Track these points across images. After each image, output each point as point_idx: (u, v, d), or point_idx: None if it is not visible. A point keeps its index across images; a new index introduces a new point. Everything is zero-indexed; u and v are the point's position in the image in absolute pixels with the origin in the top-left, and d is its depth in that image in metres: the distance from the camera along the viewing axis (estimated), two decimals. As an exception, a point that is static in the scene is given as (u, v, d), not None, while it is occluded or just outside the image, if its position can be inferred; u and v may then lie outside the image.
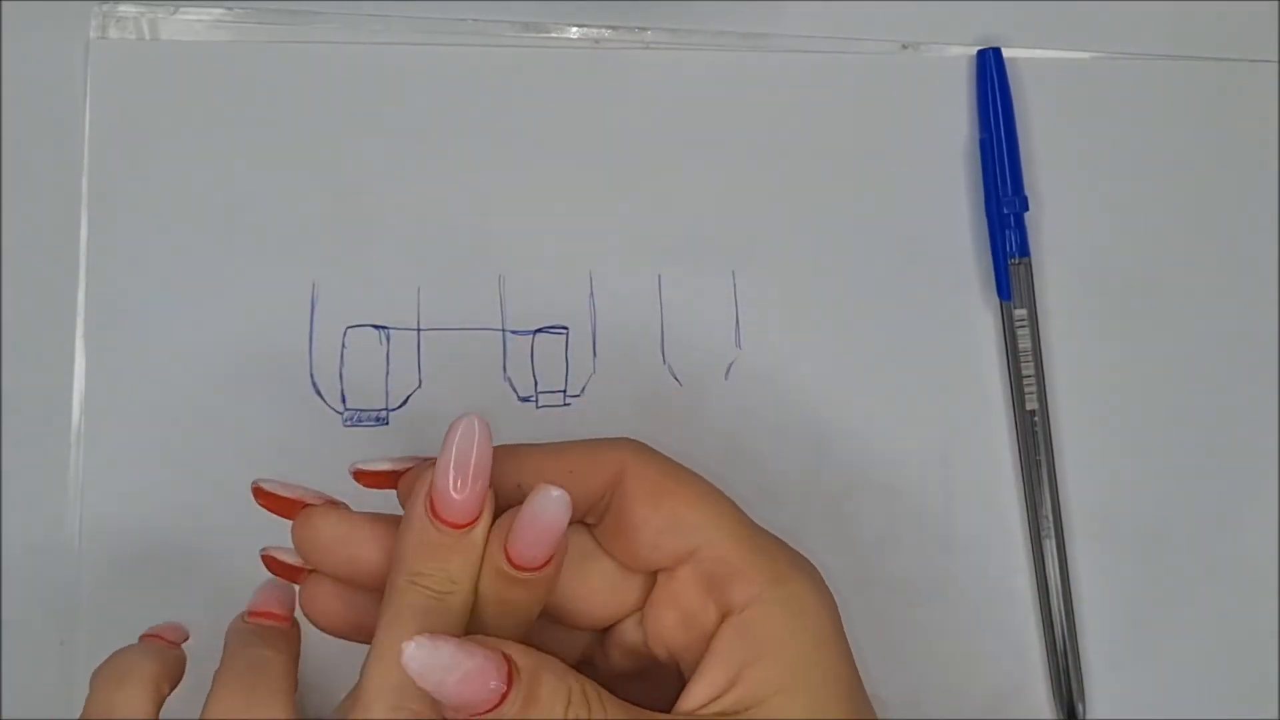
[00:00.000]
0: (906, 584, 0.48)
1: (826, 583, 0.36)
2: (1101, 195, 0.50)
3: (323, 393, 0.47)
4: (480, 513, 0.34)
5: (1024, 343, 0.49)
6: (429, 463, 0.36)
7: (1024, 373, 0.49)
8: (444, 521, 0.34)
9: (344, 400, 0.47)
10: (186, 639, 0.41)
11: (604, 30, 0.50)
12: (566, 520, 0.33)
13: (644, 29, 0.50)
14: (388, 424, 0.47)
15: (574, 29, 0.50)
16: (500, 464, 0.35)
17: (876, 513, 0.48)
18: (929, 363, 0.49)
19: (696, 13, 0.50)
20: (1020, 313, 0.49)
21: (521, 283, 0.48)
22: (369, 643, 0.34)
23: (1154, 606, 0.49)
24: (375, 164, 0.48)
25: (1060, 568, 0.48)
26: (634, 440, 0.37)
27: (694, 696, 0.35)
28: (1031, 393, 0.48)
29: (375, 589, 0.36)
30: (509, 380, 0.48)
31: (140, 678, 0.38)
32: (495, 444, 0.34)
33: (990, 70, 0.49)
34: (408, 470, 0.37)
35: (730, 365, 0.49)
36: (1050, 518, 0.48)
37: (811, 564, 0.37)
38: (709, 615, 0.36)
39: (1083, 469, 0.49)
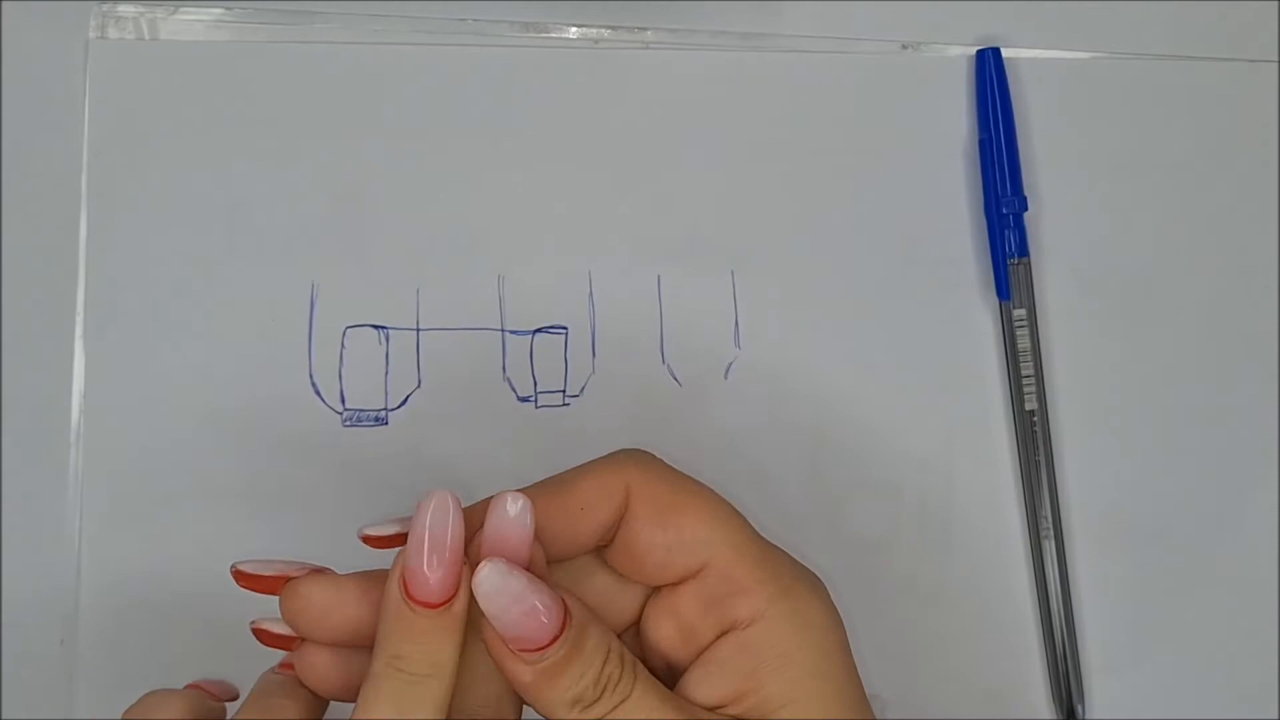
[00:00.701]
0: (906, 584, 0.48)
1: (831, 597, 0.37)
2: (1101, 195, 0.50)
3: (322, 392, 0.47)
4: (456, 589, 0.34)
5: (1023, 343, 0.49)
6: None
7: (1023, 373, 0.48)
8: (419, 602, 0.34)
9: (343, 400, 0.47)
10: (235, 698, 0.40)
11: (604, 30, 0.50)
12: (529, 527, 0.34)
13: (644, 29, 0.50)
14: (387, 424, 0.47)
15: (574, 29, 0.50)
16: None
17: (876, 513, 0.48)
18: (929, 362, 0.49)
19: (696, 13, 0.50)
20: (1020, 313, 0.49)
21: (521, 283, 0.48)
22: None
23: (1153, 607, 0.49)
24: (375, 164, 0.48)
25: (1060, 568, 0.48)
26: (636, 453, 0.37)
27: (696, 697, 0.35)
28: (1031, 393, 0.48)
29: (368, 648, 0.35)
30: (508, 380, 0.48)
31: (168, 714, 0.37)
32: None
33: (990, 70, 0.49)
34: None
35: (730, 365, 0.49)
36: (1050, 518, 0.48)
37: (817, 577, 0.37)
38: (708, 629, 0.36)
39: (1083, 469, 0.49)
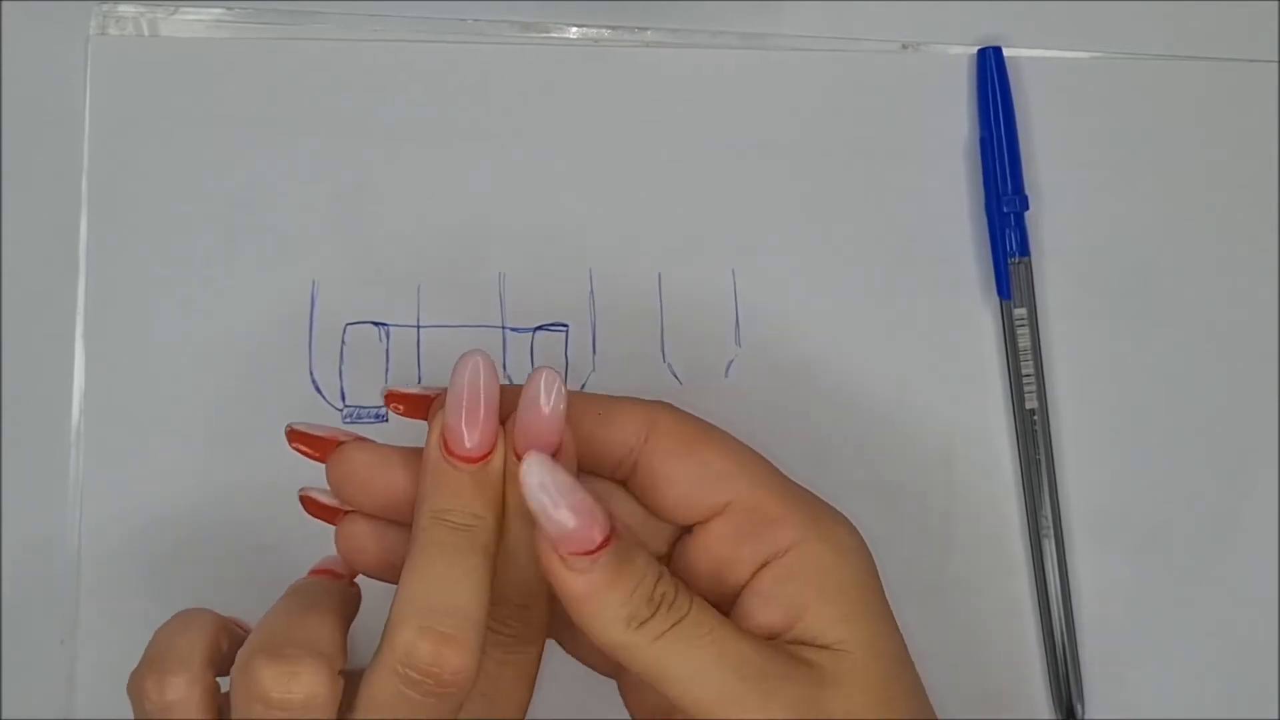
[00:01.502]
0: (906, 584, 0.48)
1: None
2: (1101, 195, 0.50)
3: (322, 390, 0.47)
4: (494, 445, 0.35)
5: (1024, 342, 0.49)
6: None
7: (1024, 372, 0.48)
8: (458, 457, 0.35)
9: (344, 397, 0.47)
10: None
11: (604, 30, 0.50)
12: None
13: (644, 29, 0.50)
14: (387, 421, 0.47)
15: (574, 29, 0.50)
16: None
17: (876, 512, 0.48)
18: (929, 362, 0.49)
19: (696, 13, 0.50)
20: (1020, 312, 0.49)
21: (521, 280, 0.48)
22: None
23: (1153, 607, 0.49)
24: (375, 162, 0.49)
25: (1059, 567, 0.48)
26: (665, 402, 0.38)
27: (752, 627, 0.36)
28: (1031, 392, 0.48)
29: (408, 522, 0.36)
30: (509, 378, 0.48)
31: (202, 624, 0.37)
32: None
33: (990, 69, 0.49)
34: (437, 397, 0.37)
35: (730, 363, 0.49)
36: (1050, 517, 0.48)
37: (845, 516, 0.37)
38: (743, 564, 0.36)
39: (1083, 469, 0.49)
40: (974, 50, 0.50)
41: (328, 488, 0.38)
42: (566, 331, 0.48)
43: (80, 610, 0.46)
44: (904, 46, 0.51)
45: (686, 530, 0.38)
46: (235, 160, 0.48)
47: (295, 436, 0.38)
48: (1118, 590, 0.49)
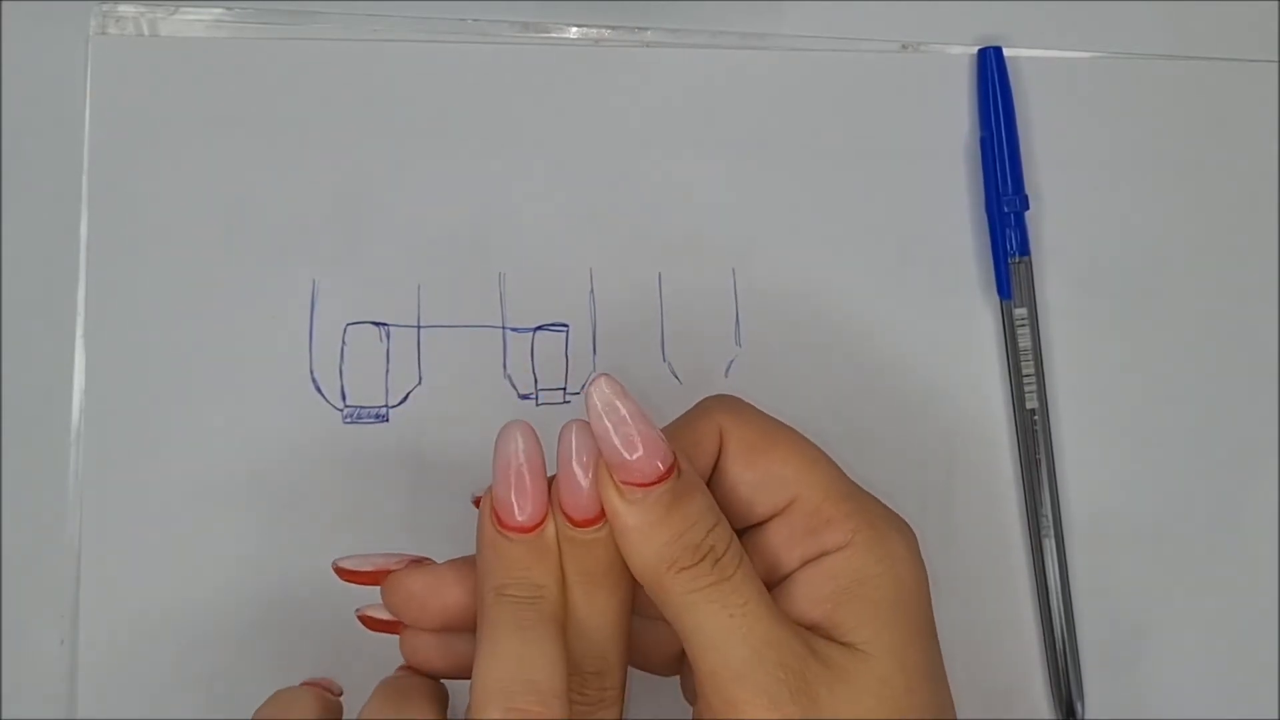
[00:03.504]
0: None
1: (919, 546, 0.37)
2: (1102, 194, 0.50)
3: (323, 390, 0.47)
4: (545, 513, 0.35)
5: (1024, 342, 0.49)
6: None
7: (1024, 372, 0.48)
8: (512, 529, 0.35)
9: (344, 397, 0.47)
10: (341, 694, 0.40)
11: (604, 30, 0.50)
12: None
13: (644, 29, 0.50)
14: (387, 421, 0.47)
15: (574, 29, 0.50)
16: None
17: (877, 512, 0.48)
18: (929, 362, 0.49)
19: (696, 13, 0.50)
20: (1020, 311, 0.49)
21: (522, 280, 0.48)
22: None
23: (1153, 606, 0.49)
24: (375, 162, 0.49)
25: (1060, 567, 0.48)
26: (726, 398, 0.39)
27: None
28: (1031, 392, 0.48)
29: (471, 630, 0.36)
30: (509, 378, 0.48)
31: (304, 708, 0.38)
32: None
33: (991, 69, 0.50)
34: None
35: (730, 363, 0.49)
36: (1050, 517, 0.48)
37: (908, 526, 0.38)
38: (793, 560, 0.37)
39: (1083, 468, 0.49)
40: (974, 50, 0.50)
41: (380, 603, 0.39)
42: (566, 331, 0.48)
43: (80, 610, 0.46)
44: (904, 46, 0.51)
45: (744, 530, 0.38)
46: (235, 160, 0.48)
47: (344, 575, 0.39)
48: (1118, 590, 0.49)
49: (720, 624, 0.34)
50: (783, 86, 0.50)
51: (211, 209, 0.48)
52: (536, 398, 0.48)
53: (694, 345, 0.49)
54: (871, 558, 0.36)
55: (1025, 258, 0.49)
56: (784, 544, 0.37)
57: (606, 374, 0.34)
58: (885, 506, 0.38)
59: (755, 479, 0.37)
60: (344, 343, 0.48)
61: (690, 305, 0.49)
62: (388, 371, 0.48)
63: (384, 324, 0.48)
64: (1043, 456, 0.48)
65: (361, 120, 0.49)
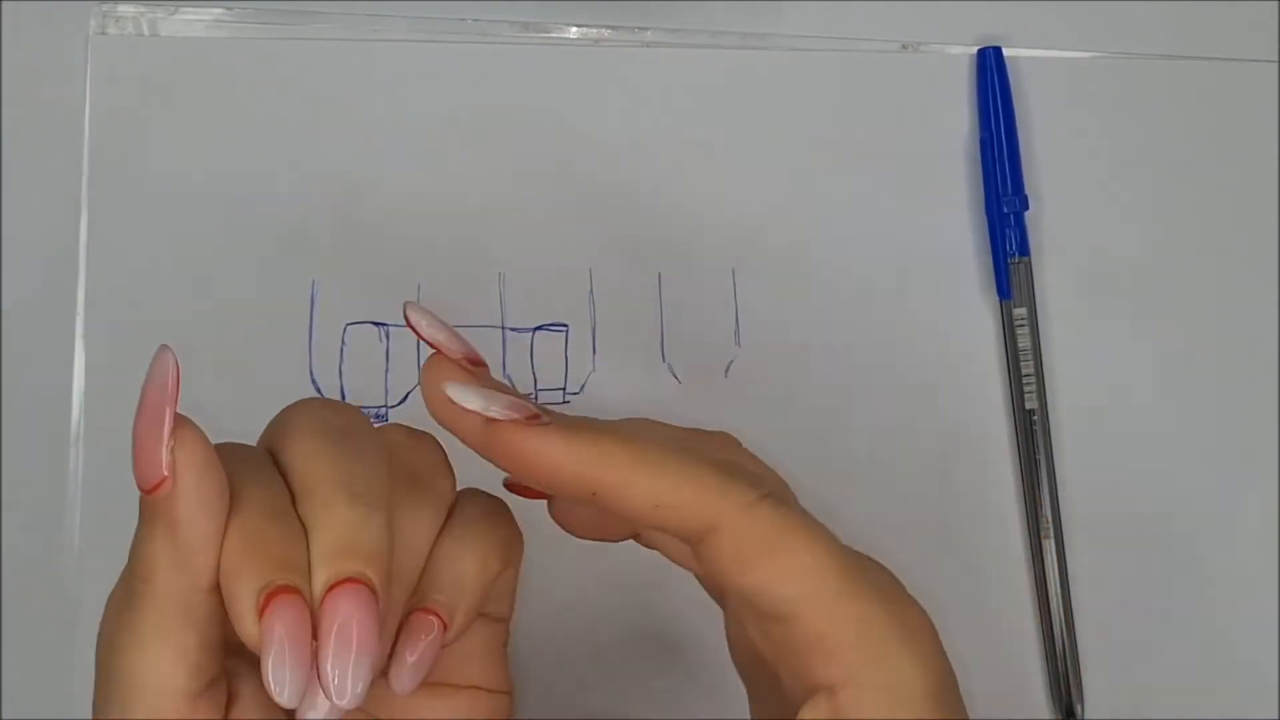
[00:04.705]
0: (906, 584, 0.48)
1: (939, 642, 0.33)
2: (1101, 194, 0.50)
3: (323, 390, 0.47)
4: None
5: (1024, 342, 0.49)
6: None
7: (1024, 372, 0.48)
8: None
9: (344, 397, 0.47)
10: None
11: (604, 30, 0.50)
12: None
13: (644, 29, 0.50)
14: (388, 421, 0.47)
15: (574, 29, 0.50)
16: (577, 465, 0.32)
17: (876, 513, 0.48)
18: (929, 362, 0.49)
19: (696, 13, 0.50)
20: (1020, 312, 0.49)
21: (521, 280, 0.48)
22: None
23: (1153, 606, 0.49)
24: (375, 161, 0.49)
25: (1059, 567, 0.48)
26: (738, 493, 0.32)
27: None
28: (1031, 392, 0.48)
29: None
30: (508, 377, 0.48)
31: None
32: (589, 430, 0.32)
33: (991, 69, 0.50)
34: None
35: (730, 363, 0.49)
36: (1049, 517, 0.48)
37: (919, 620, 0.33)
38: (786, 673, 0.33)
39: (1083, 469, 0.49)
40: (974, 50, 0.50)
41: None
42: (566, 331, 0.48)
43: (80, 610, 0.46)
44: (904, 46, 0.51)
45: None
46: (235, 160, 0.48)
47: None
48: (1118, 590, 0.49)
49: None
50: (783, 86, 0.50)
51: (211, 209, 0.48)
52: (536, 397, 0.48)
53: (694, 345, 0.49)
54: (885, 701, 0.31)
55: (1025, 258, 0.49)
56: (778, 651, 0.33)
57: (451, 385, 0.32)
58: (895, 610, 0.32)
59: (748, 585, 0.32)
60: (344, 343, 0.48)
61: (690, 305, 0.49)
62: (388, 371, 0.48)
63: (384, 324, 0.48)
64: (1042, 457, 0.48)
65: (361, 120, 0.49)
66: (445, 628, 0.33)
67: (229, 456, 0.31)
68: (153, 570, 0.30)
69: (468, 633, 0.34)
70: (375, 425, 0.34)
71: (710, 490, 0.32)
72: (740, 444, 0.36)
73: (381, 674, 0.33)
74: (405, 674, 0.33)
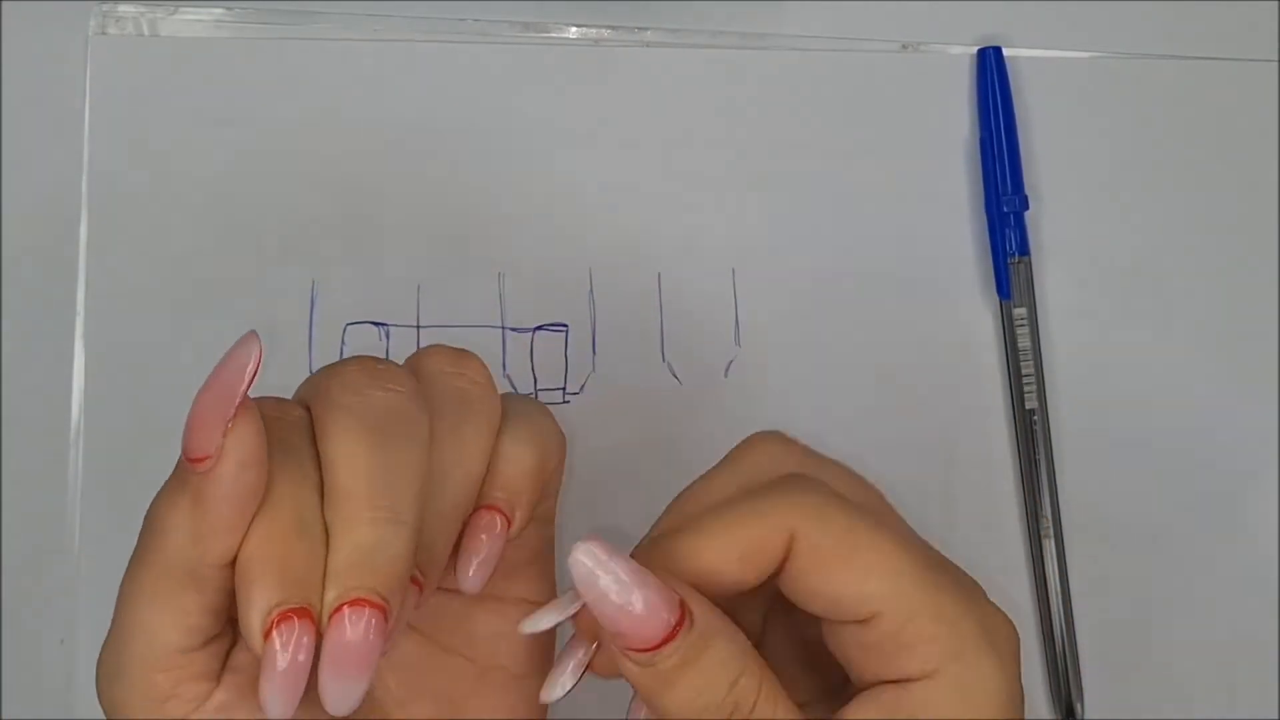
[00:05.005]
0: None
1: (1017, 648, 0.33)
2: (1101, 194, 0.50)
3: (322, 390, 0.47)
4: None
5: (1023, 341, 0.49)
6: None
7: (1023, 372, 0.48)
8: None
9: (343, 397, 0.47)
10: None
11: (604, 30, 0.50)
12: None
13: (644, 29, 0.50)
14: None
15: (574, 29, 0.50)
16: (658, 559, 0.32)
17: (876, 512, 0.48)
18: (928, 362, 0.49)
19: (696, 13, 0.50)
20: (1020, 311, 0.49)
21: (521, 280, 0.48)
22: None
23: (1153, 607, 0.49)
24: (375, 162, 0.49)
25: (1059, 567, 0.48)
26: (804, 485, 0.33)
27: None
28: (1031, 392, 0.48)
29: None
30: (508, 378, 0.48)
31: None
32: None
33: (991, 69, 0.50)
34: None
35: (730, 363, 0.49)
36: (1049, 517, 0.48)
37: (1000, 626, 0.33)
38: (864, 676, 0.33)
39: (1082, 469, 0.49)
40: (974, 50, 0.50)
41: None
42: (566, 331, 0.48)
43: (80, 610, 0.46)
44: (904, 46, 0.51)
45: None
46: (235, 160, 0.48)
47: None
48: (1118, 590, 0.49)
49: None
50: (782, 86, 0.50)
51: (211, 209, 0.48)
52: (536, 397, 0.48)
53: (694, 345, 0.49)
54: (955, 699, 0.31)
55: (1025, 258, 0.49)
56: (857, 658, 0.33)
57: (595, 536, 0.30)
58: (975, 610, 0.33)
59: (830, 591, 0.32)
60: (344, 343, 0.47)
61: (690, 305, 0.49)
62: (387, 371, 0.48)
63: (384, 324, 0.48)
64: (1042, 457, 0.48)
65: (361, 120, 0.49)
66: (509, 523, 0.34)
67: (272, 441, 0.30)
68: (166, 533, 0.30)
69: (516, 542, 0.34)
70: (417, 352, 0.35)
71: (779, 508, 0.32)
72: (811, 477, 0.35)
73: (442, 588, 0.34)
74: (473, 573, 0.33)
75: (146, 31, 0.49)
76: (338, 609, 0.29)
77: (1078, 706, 0.48)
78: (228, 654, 0.32)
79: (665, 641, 0.30)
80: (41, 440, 0.47)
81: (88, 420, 0.47)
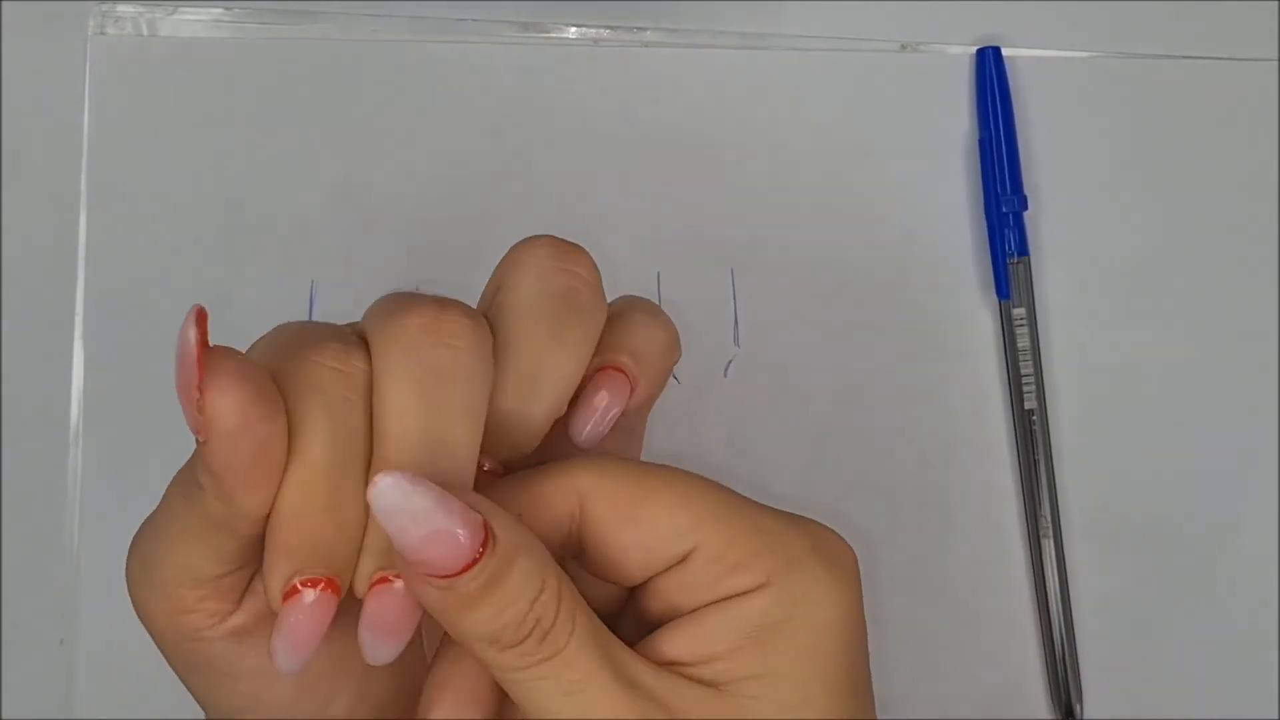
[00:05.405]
0: (905, 583, 0.48)
1: (857, 571, 0.32)
2: (1101, 195, 0.50)
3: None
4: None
5: (1023, 342, 0.49)
6: None
7: (1023, 372, 0.48)
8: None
9: (343, 398, 0.47)
10: None
11: (603, 30, 0.50)
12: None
13: (644, 29, 0.50)
14: None
15: (573, 29, 0.50)
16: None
17: (875, 512, 0.48)
18: (928, 362, 0.49)
19: (696, 13, 0.50)
20: (1019, 312, 0.49)
21: (520, 281, 0.48)
22: None
23: (1152, 606, 0.49)
24: (374, 162, 0.49)
25: (1058, 567, 0.48)
26: (594, 459, 0.32)
27: (665, 651, 0.31)
28: (1030, 392, 0.48)
29: None
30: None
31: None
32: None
33: (990, 69, 0.50)
34: None
35: (729, 363, 0.49)
36: (1049, 517, 0.48)
37: (833, 543, 0.32)
38: (703, 594, 0.31)
39: (1081, 469, 0.49)
40: (974, 50, 0.50)
41: None
42: (566, 331, 0.48)
43: (80, 610, 0.46)
44: (904, 46, 0.51)
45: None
46: (235, 160, 0.48)
47: None
48: (1117, 590, 0.49)
49: (555, 705, 0.29)
50: (782, 86, 0.50)
51: (211, 209, 0.48)
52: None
53: (693, 345, 0.48)
54: (785, 601, 0.30)
55: (1024, 258, 0.49)
56: (687, 594, 0.31)
57: (389, 472, 0.28)
58: (815, 531, 0.32)
59: (638, 538, 0.31)
60: (343, 343, 0.47)
61: (689, 305, 0.49)
62: (387, 372, 0.48)
63: (383, 324, 0.48)
64: (1041, 457, 0.48)
65: (361, 120, 0.49)
66: (631, 389, 0.33)
67: (313, 397, 0.30)
68: (198, 488, 0.30)
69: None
70: (522, 242, 0.34)
71: (563, 475, 0.31)
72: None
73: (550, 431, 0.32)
74: (589, 429, 0.33)
75: (145, 31, 0.49)
76: (372, 584, 0.29)
77: (1077, 707, 0.48)
78: (253, 577, 0.32)
79: (469, 566, 0.28)
80: (41, 440, 0.47)
81: (87, 420, 0.47)
